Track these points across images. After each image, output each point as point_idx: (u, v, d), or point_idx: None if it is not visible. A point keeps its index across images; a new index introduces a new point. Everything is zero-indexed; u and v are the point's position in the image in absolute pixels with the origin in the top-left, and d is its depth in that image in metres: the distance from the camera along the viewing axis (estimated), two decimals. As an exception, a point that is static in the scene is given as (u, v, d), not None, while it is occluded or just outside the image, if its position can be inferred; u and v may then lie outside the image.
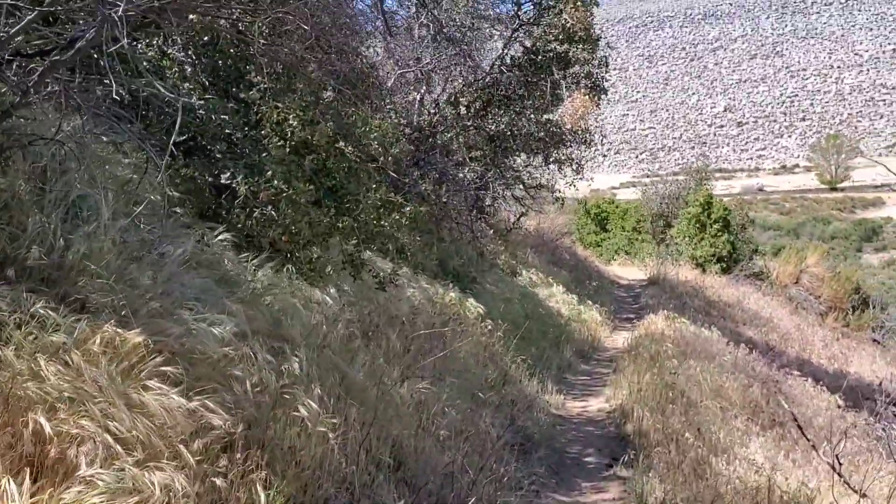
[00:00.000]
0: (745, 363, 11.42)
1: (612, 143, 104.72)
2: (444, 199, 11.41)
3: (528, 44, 13.90)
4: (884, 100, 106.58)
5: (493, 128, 15.29)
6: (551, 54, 13.65)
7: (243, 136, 6.61)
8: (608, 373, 11.10)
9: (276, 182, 5.98)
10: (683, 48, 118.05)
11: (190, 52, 6.20)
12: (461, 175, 13.25)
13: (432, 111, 12.80)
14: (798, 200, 79.21)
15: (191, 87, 5.84)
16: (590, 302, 14.69)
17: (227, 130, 6.37)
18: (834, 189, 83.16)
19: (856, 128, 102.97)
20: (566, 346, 11.76)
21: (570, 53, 13.21)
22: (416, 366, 5.90)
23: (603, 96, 14.10)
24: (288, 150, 6.69)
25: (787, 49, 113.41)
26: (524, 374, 9.29)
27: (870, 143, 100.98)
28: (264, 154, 6.49)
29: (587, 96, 13.36)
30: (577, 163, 16.08)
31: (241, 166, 6.18)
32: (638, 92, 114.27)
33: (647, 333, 12.61)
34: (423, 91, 14.53)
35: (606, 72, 13.96)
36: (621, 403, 8.87)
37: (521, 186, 17.98)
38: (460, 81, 14.65)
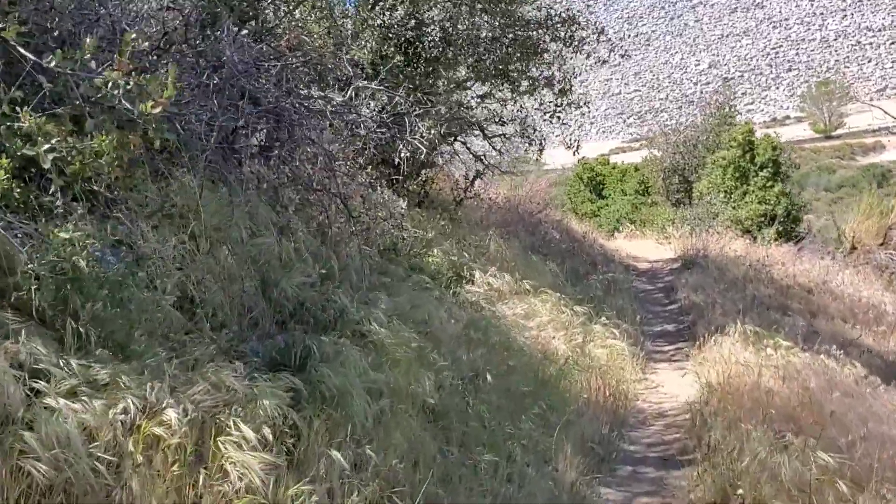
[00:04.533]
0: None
1: (598, 108, 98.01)
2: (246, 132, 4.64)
3: None
4: (870, 43, 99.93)
5: (408, 25, 8.48)
6: None
7: None
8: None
9: None
10: (663, 7, 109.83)
11: None
12: (332, 98, 6.42)
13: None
14: (796, 151, 72.64)
15: None
16: (602, 318, 7.85)
17: None
18: (829, 137, 76.97)
19: (844, 74, 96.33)
20: (561, 445, 4.99)
21: None
22: None
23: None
24: None
25: (767, 0, 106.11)
26: None
27: (860, 88, 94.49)
28: None
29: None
30: (559, 82, 9.24)
31: None
32: (620, 55, 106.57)
33: (726, 388, 5.84)
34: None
35: None
36: None
37: (477, 133, 11.19)
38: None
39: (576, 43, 8.99)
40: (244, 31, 5.00)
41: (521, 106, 9.52)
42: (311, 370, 3.77)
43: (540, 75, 9.23)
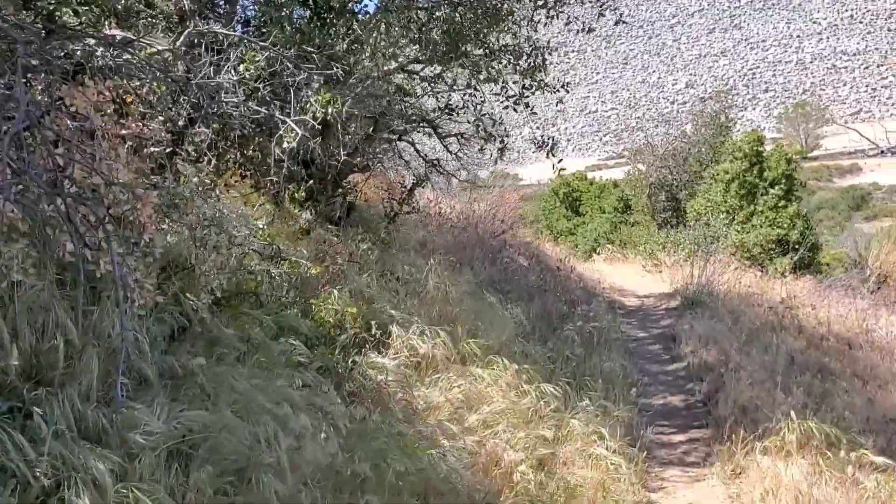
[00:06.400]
0: None
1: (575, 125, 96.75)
2: None
3: None
4: (845, 67, 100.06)
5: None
6: None
7: None
8: None
9: None
10: (641, 26, 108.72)
11: None
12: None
13: None
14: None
15: None
16: (584, 400, 5.19)
17: None
18: (806, 158, 76.01)
19: (820, 96, 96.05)
20: None
21: None
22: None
23: None
24: None
25: (744, 21, 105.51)
26: None
27: (836, 110, 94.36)
28: None
29: None
30: (527, 56, 6.62)
31: None
32: (598, 73, 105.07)
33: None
34: None
35: None
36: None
37: (427, 130, 8.57)
38: None
39: (550, 4, 6.39)
40: None
41: (475, 89, 6.87)
42: None
43: (501, 48, 6.60)
